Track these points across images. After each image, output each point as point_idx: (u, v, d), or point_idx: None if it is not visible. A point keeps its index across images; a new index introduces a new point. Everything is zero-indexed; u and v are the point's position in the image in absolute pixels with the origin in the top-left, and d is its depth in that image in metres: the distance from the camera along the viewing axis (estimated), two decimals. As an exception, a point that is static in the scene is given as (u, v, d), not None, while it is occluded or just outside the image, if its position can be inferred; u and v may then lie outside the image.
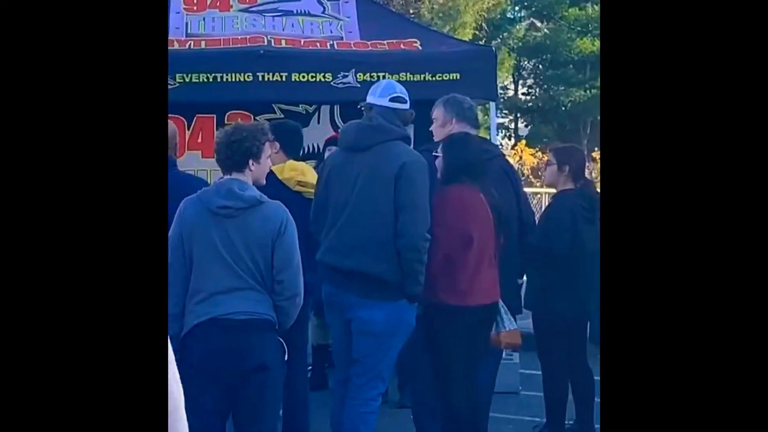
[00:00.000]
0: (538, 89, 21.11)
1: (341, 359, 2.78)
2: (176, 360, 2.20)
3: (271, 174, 2.54)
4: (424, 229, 2.56)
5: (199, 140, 4.32)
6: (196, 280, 2.23)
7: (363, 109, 2.77)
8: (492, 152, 3.13)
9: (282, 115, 4.22)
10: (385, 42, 4.17)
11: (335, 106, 4.41)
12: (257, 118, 3.93)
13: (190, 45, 4.03)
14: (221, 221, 2.21)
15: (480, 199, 2.70)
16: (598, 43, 13.99)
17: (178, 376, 1.27)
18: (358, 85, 3.85)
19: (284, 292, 2.24)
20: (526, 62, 20.88)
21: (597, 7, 16.04)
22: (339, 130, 3.59)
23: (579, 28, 18.56)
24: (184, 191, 2.34)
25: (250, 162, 2.24)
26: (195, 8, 4.26)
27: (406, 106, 2.75)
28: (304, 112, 4.37)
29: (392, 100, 2.73)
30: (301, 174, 2.89)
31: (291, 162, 2.91)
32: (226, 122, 3.77)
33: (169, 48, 3.96)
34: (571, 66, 18.89)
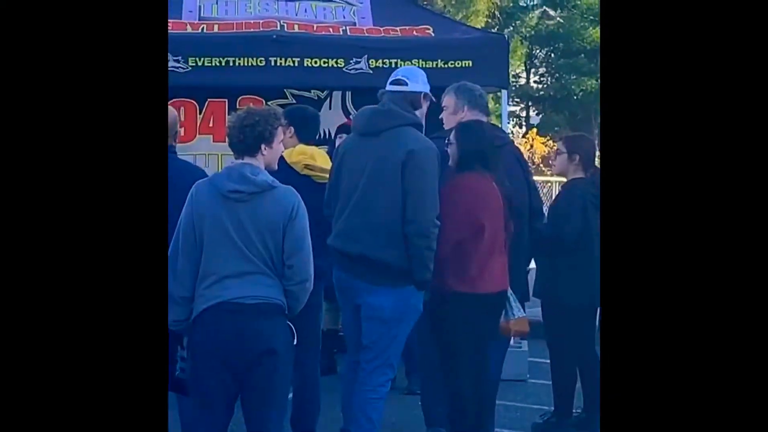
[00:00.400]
0: (549, 78, 20.96)
1: (352, 344, 2.80)
2: (186, 343, 2.21)
3: (280, 158, 2.54)
4: (433, 215, 2.56)
5: (211, 124, 4.35)
6: (207, 264, 2.23)
7: (380, 95, 2.77)
8: (503, 140, 3.12)
9: (294, 101, 4.23)
10: (397, 28, 4.16)
11: (347, 93, 4.42)
12: (269, 103, 3.93)
13: (203, 29, 4.04)
14: (233, 205, 2.21)
15: (493, 187, 2.69)
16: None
17: None
18: (371, 72, 3.86)
19: (294, 276, 2.24)
20: (538, 51, 20.75)
21: (611, -4, 16.06)
22: (351, 117, 3.60)
23: (592, 17, 18.39)
24: (182, 178, 2.34)
25: (263, 146, 2.24)
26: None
27: (406, 87, 2.72)
28: (315, 98, 4.38)
29: (392, 83, 2.72)
30: (310, 158, 2.87)
31: (300, 146, 2.90)
32: (237, 107, 3.78)
33: (182, 31, 3.98)
34: (583, 55, 18.75)
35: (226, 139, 2.33)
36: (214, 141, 4.25)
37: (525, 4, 20.36)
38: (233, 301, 2.20)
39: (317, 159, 2.90)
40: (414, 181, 2.56)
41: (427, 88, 2.75)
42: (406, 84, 2.73)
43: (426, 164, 2.59)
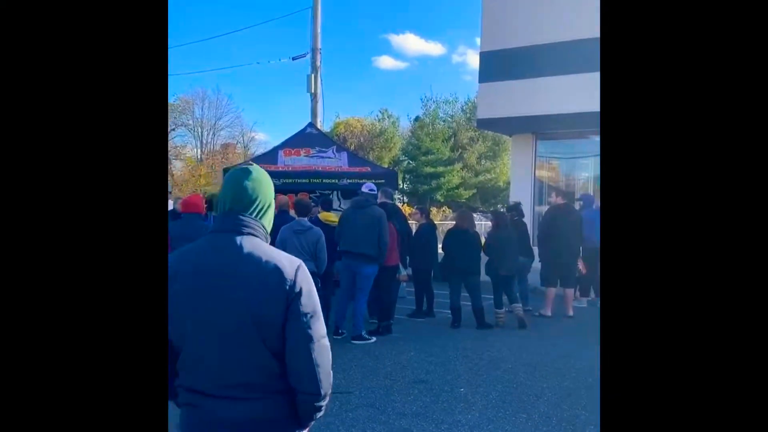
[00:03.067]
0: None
1: (346, 289, 7.37)
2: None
3: (316, 217, 9.13)
4: (386, 239, 7.12)
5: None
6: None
7: (359, 192, 8.08)
8: (397, 208, 9.73)
9: (320, 193, 11.09)
10: (356, 168, 11.04)
11: (338, 191, 11.28)
12: (310, 196, 10.77)
13: (288, 168, 10.90)
14: (297, 234, 6.70)
15: (394, 228, 9.05)
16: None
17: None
18: (348, 183, 10.69)
19: (320, 262, 6.53)
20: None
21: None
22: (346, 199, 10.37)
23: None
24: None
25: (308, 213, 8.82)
26: (291, 153, 11.16)
27: (372, 191, 8.42)
28: (329, 192, 11.26)
29: (366, 188, 7.93)
30: (329, 217, 9.49)
31: (324, 212, 9.62)
32: (297, 196, 10.59)
33: (276, 170, 10.86)
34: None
35: (294, 209, 8.90)
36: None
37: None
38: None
39: (331, 217, 9.52)
40: (380, 226, 6.98)
41: (376, 191, 8.41)
42: (373, 190, 7.79)
43: (383, 220, 7.00)
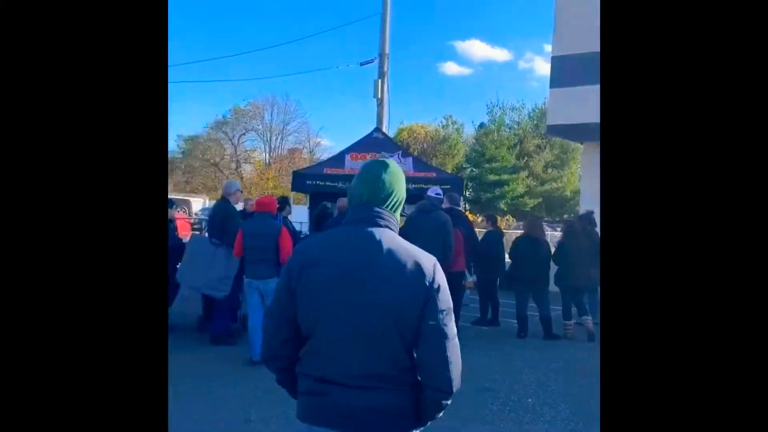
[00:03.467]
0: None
1: None
2: None
3: None
4: (452, 244, 6.86)
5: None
6: None
7: (425, 196, 7.91)
8: (462, 214, 9.49)
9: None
10: (422, 173, 11.01)
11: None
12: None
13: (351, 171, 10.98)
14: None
15: (460, 234, 8.53)
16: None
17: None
18: (411, 188, 10.65)
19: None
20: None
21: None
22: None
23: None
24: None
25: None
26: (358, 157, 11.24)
27: (439, 195, 8.33)
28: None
29: (436, 194, 7.57)
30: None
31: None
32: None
33: (343, 173, 10.95)
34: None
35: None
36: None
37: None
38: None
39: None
40: (446, 231, 6.80)
41: (442, 196, 8.69)
42: (440, 194, 7.61)
43: (449, 225, 6.76)
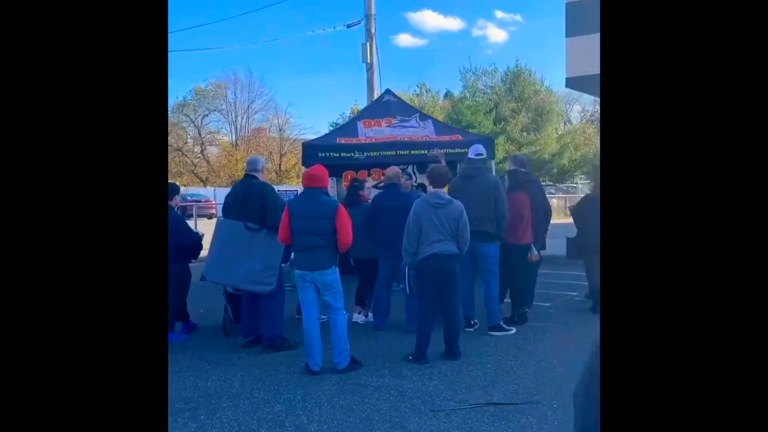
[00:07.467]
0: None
1: (468, 274, 6.13)
2: (414, 274, 5.37)
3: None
4: (505, 212, 5.95)
5: (372, 177, 10.09)
6: (424, 235, 5.06)
7: (466, 160, 6.40)
8: (528, 176, 6.82)
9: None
10: (446, 136, 9.87)
11: (414, 165, 10.09)
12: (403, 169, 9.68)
13: (370, 140, 9.77)
14: (435, 209, 5.09)
15: (525, 198, 6.38)
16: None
17: None
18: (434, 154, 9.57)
19: (464, 242, 5.14)
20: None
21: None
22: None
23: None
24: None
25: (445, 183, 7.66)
26: (372, 125, 10.04)
27: (484, 156, 6.47)
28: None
29: (477, 155, 6.31)
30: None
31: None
32: (386, 173, 9.50)
33: (358, 142, 9.74)
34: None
35: (427, 178, 7.32)
36: (374, 180, 9.99)
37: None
38: (437, 252, 5.03)
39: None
40: (496, 197, 5.87)
41: (485, 154, 6.38)
42: (481, 154, 6.26)
43: (499, 190, 5.96)
